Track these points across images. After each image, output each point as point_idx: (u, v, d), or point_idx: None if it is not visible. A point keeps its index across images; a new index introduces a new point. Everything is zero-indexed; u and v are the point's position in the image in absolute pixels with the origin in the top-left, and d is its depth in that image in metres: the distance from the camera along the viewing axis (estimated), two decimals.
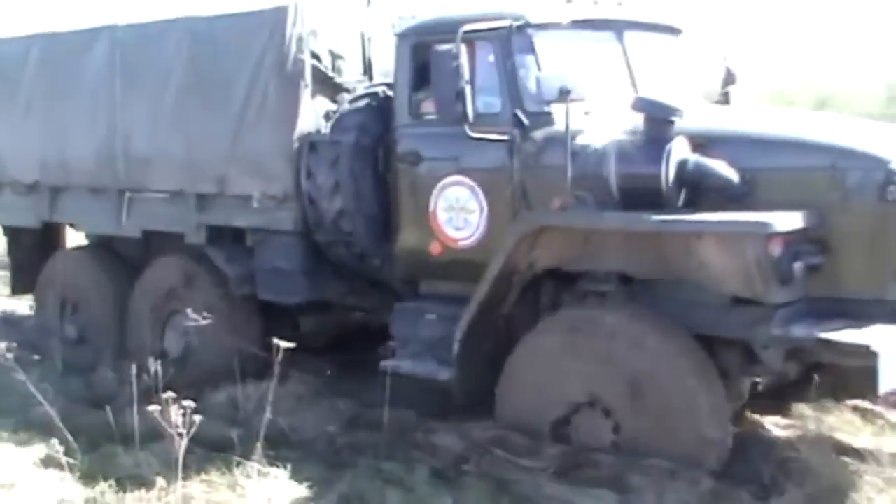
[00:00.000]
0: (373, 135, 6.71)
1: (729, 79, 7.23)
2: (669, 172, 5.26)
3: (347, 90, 7.02)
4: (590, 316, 5.67)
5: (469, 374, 6.08)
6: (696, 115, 5.69)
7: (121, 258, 8.69)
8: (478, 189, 6.14)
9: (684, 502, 4.98)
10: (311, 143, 6.81)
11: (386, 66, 7.14)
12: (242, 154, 7.16)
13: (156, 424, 5.14)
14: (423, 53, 6.26)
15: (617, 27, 6.43)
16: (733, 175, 5.26)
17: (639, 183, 5.35)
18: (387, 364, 6.47)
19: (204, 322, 6.57)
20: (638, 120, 5.54)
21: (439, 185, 6.29)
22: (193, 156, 7.49)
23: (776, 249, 4.99)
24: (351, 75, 7.13)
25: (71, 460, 5.59)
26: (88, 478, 5.65)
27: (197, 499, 5.25)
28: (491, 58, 6.08)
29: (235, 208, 7.30)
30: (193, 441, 5.09)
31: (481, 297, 5.91)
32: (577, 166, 5.50)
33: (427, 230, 6.39)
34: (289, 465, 5.61)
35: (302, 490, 5.44)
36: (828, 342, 4.98)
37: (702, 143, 5.40)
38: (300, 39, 6.83)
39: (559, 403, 5.66)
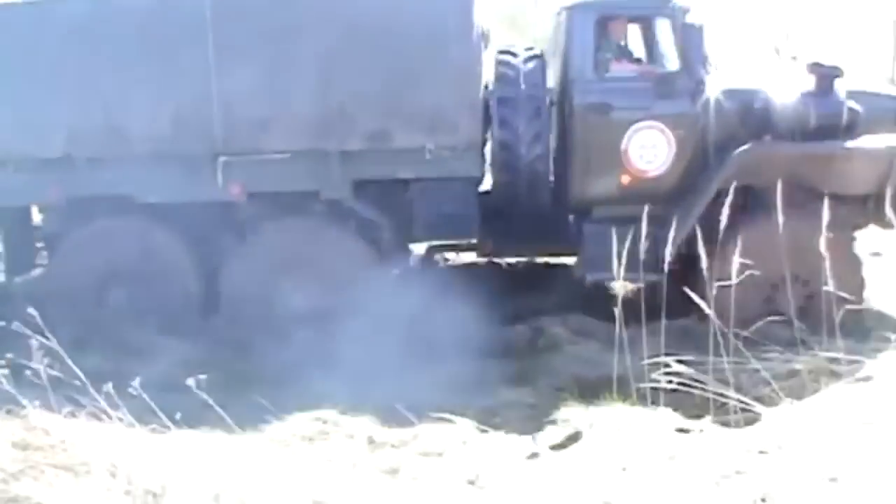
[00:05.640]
0: (546, 89, 8.17)
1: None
2: (845, 113, 7.86)
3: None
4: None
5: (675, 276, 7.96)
6: None
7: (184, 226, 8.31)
8: (667, 131, 8.03)
9: None
10: (500, 98, 7.96)
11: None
12: (413, 110, 7.84)
13: None
14: (605, 23, 8.01)
15: None
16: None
17: (828, 121, 7.83)
18: (590, 275, 8.03)
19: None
20: (792, 77, 8.07)
21: (632, 128, 8.01)
22: (334, 114, 7.85)
23: None
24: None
25: None
26: None
27: None
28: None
29: (399, 161, 7.95)
30: None
31: (699, 211, 7.83)
32: (774, 111, 7.82)
33: (617, 165, 8.06)
34: None
35: None
36: None
37: None
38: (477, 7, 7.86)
39: (767, 282, 7.86)
